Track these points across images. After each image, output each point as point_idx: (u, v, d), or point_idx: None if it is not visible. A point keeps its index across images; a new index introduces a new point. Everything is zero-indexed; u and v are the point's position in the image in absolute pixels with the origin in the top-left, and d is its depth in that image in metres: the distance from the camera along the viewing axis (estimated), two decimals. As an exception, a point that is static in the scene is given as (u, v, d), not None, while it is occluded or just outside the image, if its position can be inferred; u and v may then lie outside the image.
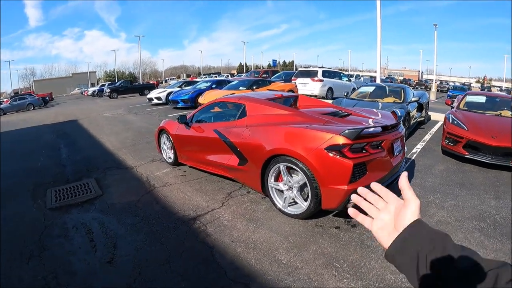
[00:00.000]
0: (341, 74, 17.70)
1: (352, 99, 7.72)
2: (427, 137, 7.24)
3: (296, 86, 13.80)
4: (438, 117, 9.71)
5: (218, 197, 3.90)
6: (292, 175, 3.21)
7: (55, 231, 3.14)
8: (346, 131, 2.84)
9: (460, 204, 3.71)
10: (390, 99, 7.41)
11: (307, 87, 14.17)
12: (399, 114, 4.00)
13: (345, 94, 8.59)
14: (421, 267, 0.55)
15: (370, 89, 8.20)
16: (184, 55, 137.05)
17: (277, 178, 3.37)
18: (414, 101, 7.31)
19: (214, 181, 4.44)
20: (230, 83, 12.77)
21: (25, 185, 4.58)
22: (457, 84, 37.32)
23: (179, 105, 12.42)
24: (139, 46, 46.09)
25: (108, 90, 22.03)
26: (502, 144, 4.93)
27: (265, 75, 22.00)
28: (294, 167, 3.08)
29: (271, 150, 3.24)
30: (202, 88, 13.44)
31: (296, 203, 3.27)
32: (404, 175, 0.64)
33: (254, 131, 3.57)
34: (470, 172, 4.95)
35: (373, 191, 0.70)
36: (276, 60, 69.20)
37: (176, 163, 5.05)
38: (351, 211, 0.71)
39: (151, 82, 34.04)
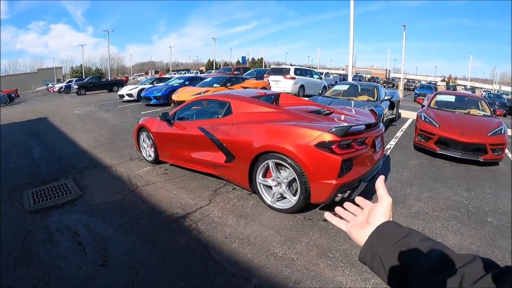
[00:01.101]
0: (312, 72, 18.10)
1: (326, 97, 7.95)
2: (399, 133, 7.68)
3: (269, 83, 13.94)
4: (407, 114, 10.30)
5: (204, 195, 3.90)
6: (281, 171, 3.30)
7: (39, 236, 3.00)
8: (334, 128, 2.99)
9: (436, 196, 4.05)
10: (364, 98, 7.72)
11: (279, 84, 14.32)
12: (379, 113, 4.22)
13: (319, 92, 8.81)
14: (389, 265, 0.57)
15: (344, 87, 8.49)
16: (152, 51, 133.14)
17: (265, 174, 3.45)
18: (387, 100, 7.70)
19: (198, 179, 4.43)
20: (204, 80, 12.64)
21: (-2, 187, 4.31)
22: (424, 82, 39.35)
23: (152, 102, 12.11)
24: (108, 41, 44.28)
25: (76, 87, 20.92)
26: (471, 140, 5.38)
27: (237, 72, 21.94)
28: (283, 163, 3.17)
29: (260, 147, 3.31)
30: (174, 85, 13.18)
31: (284, 198, 3.37)
32: (381, 178, 0.71)
33: (241, 129, 3.62)
34: (442, 166, 5.35)
35: (354, 203, 0.80)
36: (245, 57, 69.24)
37: (156, 161, 4.97)
38: (327, 215, 0.79)
39: (120, 78, 32.72)
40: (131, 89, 13.89)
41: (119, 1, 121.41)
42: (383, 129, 4.11)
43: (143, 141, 5.15)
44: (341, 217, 0.77)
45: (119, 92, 14.17)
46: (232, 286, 2.28)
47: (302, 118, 3.51)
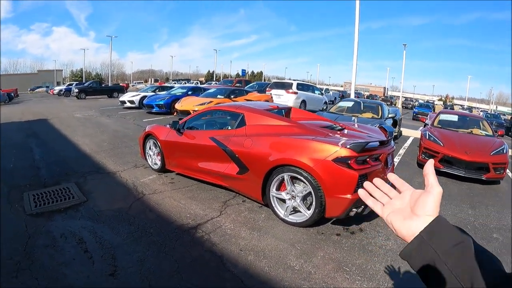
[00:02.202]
0: (314, 88, 18.27)
1: (331, 113, 7.95)
2: (402, 151, 7.67)
3: (271, 97, 13.98)
4: (408, 132, 10.35)
5: (214, 206, 3.79)
6: (295, 184, 3.26)
7: (41, 241, 2.83)
8: (352, 144, 3.00)
9: (443, 212, 3.80)
10: (368, 115, 7.75)
11: (281, 98, 14.35)
12: (389, 130, 4.21)
13: (323, 108, 8.84)
14: (441, 268, 0.52)
15: (349, 104, 8.53)
16: (152, 59, 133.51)
17: (279, 187, 3.40)
18: (391, 117, 7.73)
19: (206, 189, 4.32)
20: (207, 91, 12.62)
21: (-4, 188, 4.13)
22: (422, 101, 39.83)
23: (154, 110, 12.01)
24: (111, 47, 44.39)
25: (76, 90, 20.70)
26: (474, 159, 5.42)
27: (238, 85, 22.05)
28: (299, 177, 3.13)
29: (276, 160, 3.27)
30: (177, 94, 13.14)
31: (297, 211, 3.31)
32: (430, 162, 0.62)
33: (256, 141, 3.57)
34: (446, 184, 5.33)
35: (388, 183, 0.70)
36: (245, 70, 69.75)
37: (163, 169, 4.85)
38: (361, 192, 0.69)
39: (121, 84, 32.64)
40: (133, 96, 13.79)
41: (122, 7, 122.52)
42: (394, 147, 4.09)
43: (149, 148, 5.03)
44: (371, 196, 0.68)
45: (121, 99, 14.05)
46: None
47: (316, 133, 3.51)
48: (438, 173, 5.67)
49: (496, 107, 57.16)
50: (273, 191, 3.36)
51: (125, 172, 4.97)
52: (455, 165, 5.57)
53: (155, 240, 2.90)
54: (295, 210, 3.33)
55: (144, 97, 13.65)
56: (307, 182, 3.07)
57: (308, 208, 3.17)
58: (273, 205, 3.41)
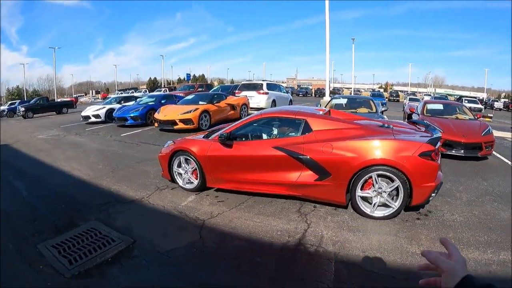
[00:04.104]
0: (280, 87, 18.12)
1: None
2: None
3: (248, 99, 13.38)
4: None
5: (293, 217, 3.41)
6: (381, 181, 3.29)
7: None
8: (430, 139, 3.30)
9: (468, 187, 4.48)
10: (364, 110, 7.71)
11: (253, 100, 13.89)
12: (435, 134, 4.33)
13: (319, 106, 8.60)
14: None
15: (343, 101, 8.47)
16: (89, 70, 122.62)
17: (362, 187, 3.38)
18: (384, 111, 7.79)
19: (266, 202, 3.79)
20: (185, 98, 11.45)
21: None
22: (374, 91, 41.50)
23: (128, 122, 10.56)
24: (54, 59, 39.58)
25: (23, 109, 17.59)
26: (471, 140, 6.14)
27: (200, 89, 21.00)
28: (388, 174, 3.20)
29: (365, 161, 3.23)
30: (150, 103, 11.78)
31: (379, 206, 3.36)
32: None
33: (334, 146, 3.38)
34: (451, 164, 5.74)
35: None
36: (189, 74, 67.56)
37: (201, 188, 4.04)
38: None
39: (70, 98, 28.98)
40: (97, 110, 12.02)
41: (55, 16, 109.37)
42: None
43: (179, 166, 4.17)
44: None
45: (83, 113, 12.15)
46: None
47: (380, 132, 3.59)
48: (442, 155, 5.89)
49: (435, 90, 62.58)
50: (358, 191, 3.33)
51: (152, 197, 4.02)
52: (455, 147, 6.16)
53: (271, 268, 2.34)
54: (375, 205, 3.34)
55: (110, 109, 12.02)
56: (396, 178, 3.17)
57: (394, 201, 3.26)
58: (359, 205, 3.38)
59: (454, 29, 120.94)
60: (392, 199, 3.27)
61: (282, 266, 2.52)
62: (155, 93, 18.77)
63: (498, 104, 37.05)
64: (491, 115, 9.62)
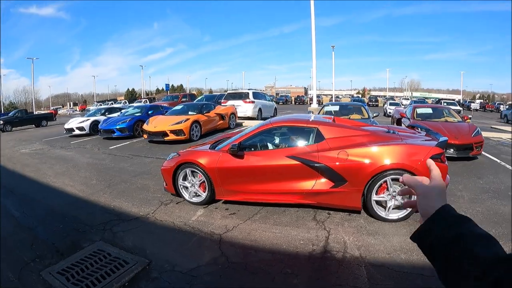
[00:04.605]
0: (266, 95, 18.10)
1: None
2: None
3: (235, 108, 13.26)
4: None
5: (311, 225, 3.39)
6: (393, 185, 3.34)
7: None
8: (438, 143, 3.41)
9: (467, 186, 4.65)
10: (357, 116, 7.81)
11: (239, 109, 13.77)
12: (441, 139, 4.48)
13: (311, 113, 8.63)
14: (440, 252, 0.54)
15: (335, 108, 8.54)
16: (66, 82, 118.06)
17: (377, 191, 3.42)
18: (376, 116, 7.94)
19: (279, 212, 3.72)
20: (173, 109, 11.19)
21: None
22: (355, 97, 42.13)
23: (115, 134, 10.12)
24: (32, 71, 37.67)
25: (1, 122, 16.51)
26: (463, 142, 6.31)
27: (184, 99, 20.72)
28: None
29: (380, 167, 3.27)
30: (137, 115, 11.39)
31: (393, 209, 3.38)
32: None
33: (348, 153, 3.37)
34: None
35: None
36: (168, 84, 66.54)
37: (210, 201, 3.87)
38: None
39: (49, 111, 27.59)
40: (81, 122, 11.45)
41: (31, 26, 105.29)
42: None
43: (185, 180, 3.98)
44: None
45: (67, 126, 11.53)
46: None
47: (390, 138, 3.65)
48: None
49: (411, 93, 64.04)
50: (374, 196, 3.35)
51: (158, 213, 3.80)
52: (449, 148, 6.23)
53: (304, 278, 2.33)
54: (389, 208, 3.36)
55: (95, 121, 11.52)
56: None
57: None
58: (374, 209, 3.39)
59: (426, 33, 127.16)
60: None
61: (315, 275, 2.47)
62: (141, 104, 18.20)
63: (475, 105, 38.71)
64: (470, 116, 10.03)
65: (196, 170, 3.85)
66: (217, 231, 3.19)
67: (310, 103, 37.97)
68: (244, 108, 14.44)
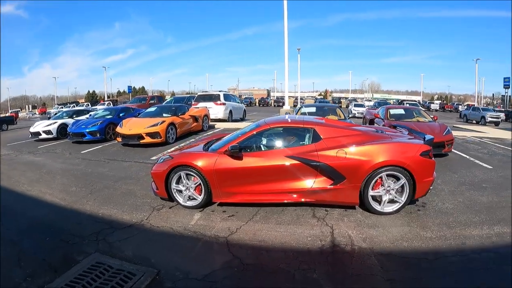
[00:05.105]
0: (235, 97, 17.97)
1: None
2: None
3: (208, 110, 12.98)
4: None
5: (312, 222, 3.50)
6: (388, 180, 3.53)
7: None
8: (426, 140, 3.69)
9: (445, 181, 5.04)
10: (333, 117, 8.05)
11: (211, 111, 13.49)
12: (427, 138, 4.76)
13: (288, 114, 8.77)
14: None
15: (312, 109, 8.80)
16: (24, 84, 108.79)
17: (373, 187, 3.57)
18: (351, 117, 8.28)
19: (278, 212, 3.77)
20: (147, 111, 10.69)
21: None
22: (319, 98, 43.03)
23: (86, 138, 9.50)
24: None
25: None
26: (437, 140, 6.51)
27: (152, 101, 19.93)
28: (396, 173, 3.48)
29: (376, 164, 3.43)
30: (108, 117, 10.74)
31: (387, 202, 3.58)
32: None
33: (346, 151, 3.52)
34: None
35: None
36: (131, 86, 64.13)
37: (206, 204, 3.81)
38: None
39: (9, 114, 25.17)
40: (48, 125, 10.56)
41: None
42: None
43: (178, 183, 3.87)
44: None
45: (32, 130, 10.58)
46: None
47: (382, 137, 3.84)
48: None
49: (372, 95, 66.92)
50: (370, 191, 3.52)
51: (153, 219, 3.66)
52: None
53: (323, 272, 2.50)
54: (384, 202, 3.56)
55: (62, 125, 10.72)
56: (402, 176, 3.45)
57: (401, 196, 3.55)
58: (371, 203, 3.56)
59: (385, 38, 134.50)
60: (402, 194, 3.56)
61: (331, 268, 2.59)
62: (104, 106, 17.21)
63: (434, 106, 41.37)
64: (432, 116, 10.87)
65: (191, 173, 3.76)
66: (222, 234, 3.15)
67: (276, 105, 38.11)
68: (216, 110, 14.23)
